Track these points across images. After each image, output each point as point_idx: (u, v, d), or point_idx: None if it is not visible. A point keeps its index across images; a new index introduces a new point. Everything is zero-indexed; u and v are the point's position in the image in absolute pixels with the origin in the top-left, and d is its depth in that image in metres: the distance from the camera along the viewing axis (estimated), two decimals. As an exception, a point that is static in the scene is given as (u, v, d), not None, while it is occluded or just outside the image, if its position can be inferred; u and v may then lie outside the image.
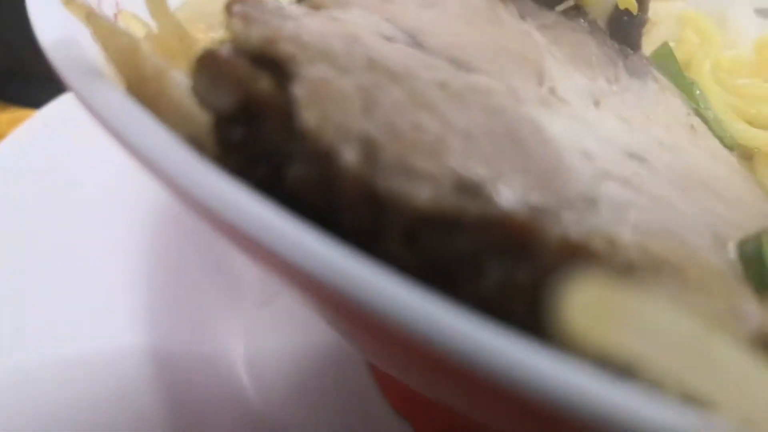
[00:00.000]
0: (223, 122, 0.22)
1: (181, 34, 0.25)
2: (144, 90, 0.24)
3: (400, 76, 0.24)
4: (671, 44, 0.44)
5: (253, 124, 0.22)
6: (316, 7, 0.29)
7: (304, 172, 0.21)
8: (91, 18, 0.22)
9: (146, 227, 0.46)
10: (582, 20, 0.37)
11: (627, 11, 0.37)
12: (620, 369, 0.14)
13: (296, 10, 0.26)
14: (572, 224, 0.22)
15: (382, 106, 0.22)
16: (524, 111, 0.26)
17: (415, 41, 0.28)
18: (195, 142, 0.22)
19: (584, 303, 0.13)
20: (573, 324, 0.13)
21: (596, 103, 0.32)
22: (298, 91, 0.21)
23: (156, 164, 0.18)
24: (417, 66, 0.25)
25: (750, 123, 0.41)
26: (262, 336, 0.44)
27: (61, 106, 0.48)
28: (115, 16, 0.35)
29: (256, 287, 0.47)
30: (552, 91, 0.29)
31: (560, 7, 0.36)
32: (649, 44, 0.43)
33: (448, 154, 0.22)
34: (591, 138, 0.29)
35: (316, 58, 0.23)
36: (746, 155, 0.40)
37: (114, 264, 0.44)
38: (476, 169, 0.22)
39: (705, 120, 0.40)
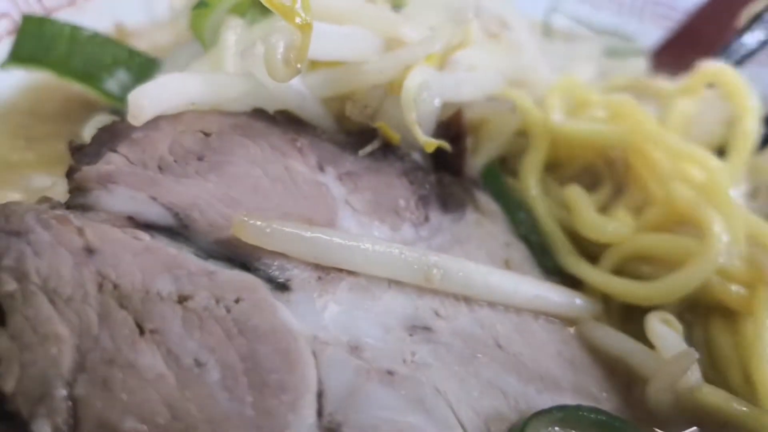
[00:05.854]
0: None
1: None
2: None
3: (130, 295, 0.22)
4: (502, 148, 0.42)
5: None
6: (81, 189, 0.26)
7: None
8: None
9: None
10: (393, 158, 0.35)
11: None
12: None
13: (41, 214, 0.23)
14: None
15: (100, 344, 0.21)
16: (278, 319, 0.24)
17: (181, 223, 0.26)
18: None
19: None
20: None
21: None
22: (2, 343, 0.19)
23: None
24: (159, 272, 0.23)
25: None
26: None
27: None
28: None
29: None
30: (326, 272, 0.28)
31: (366, 150, 0.34)
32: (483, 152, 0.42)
33: (158, 412, 0.20)
34: (367, 321, 0.27)
35: (34, 291, 0.21)
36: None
37: None
38: None
39: (531, 246, 0.38)
